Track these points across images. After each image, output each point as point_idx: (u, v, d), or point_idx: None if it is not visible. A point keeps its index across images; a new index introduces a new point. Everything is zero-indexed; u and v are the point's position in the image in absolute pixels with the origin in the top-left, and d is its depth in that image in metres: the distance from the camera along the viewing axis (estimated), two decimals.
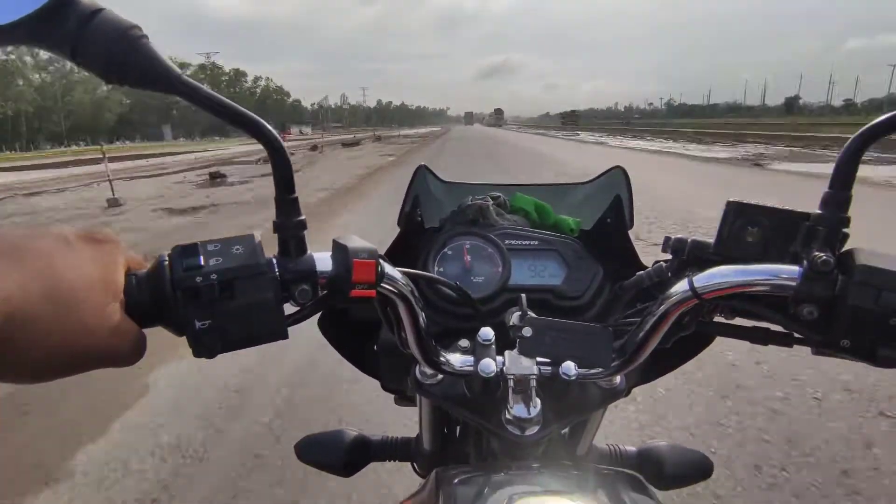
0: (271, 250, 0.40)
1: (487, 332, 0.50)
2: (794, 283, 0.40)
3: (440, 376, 0.53)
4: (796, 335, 0.44)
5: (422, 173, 0.73)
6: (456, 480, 0.42)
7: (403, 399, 0.75)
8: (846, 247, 0.41)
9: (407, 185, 0.69)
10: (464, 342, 0.54)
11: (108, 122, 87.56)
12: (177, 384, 2.47)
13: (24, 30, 0.31)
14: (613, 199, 0.69)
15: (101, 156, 9.91)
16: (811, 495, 1.64)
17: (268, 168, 0.38)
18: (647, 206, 6.22)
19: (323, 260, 0.40)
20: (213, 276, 0.36)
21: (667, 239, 0.51)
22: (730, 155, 16.05)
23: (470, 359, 0.49)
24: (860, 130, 0.39)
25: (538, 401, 0.48)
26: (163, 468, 1.86)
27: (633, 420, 2.04)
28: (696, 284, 0.43)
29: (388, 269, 0.42)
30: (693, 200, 6.89)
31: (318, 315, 0.48)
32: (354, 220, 6.40)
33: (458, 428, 0.73)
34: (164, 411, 2.24)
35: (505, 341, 0.51)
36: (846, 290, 0.39)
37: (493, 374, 0.47)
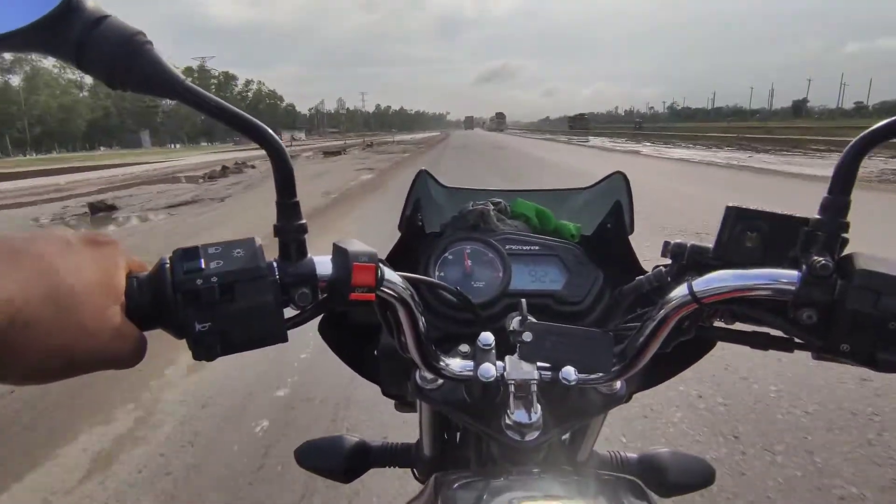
0: (272, 254, 0.38)
1: (488, 337, 0.49)
2: (793, 288, 0.40)
3: (440, 381, 0.52)
4: (796, 340, 0.44)
5: (423, 178, 0.73)
6: (455, 486, 0.42)
7: (403, 404, 0.74)
8: (845, 251, 0.41)
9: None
10: (464, 347, 0.54)
11: (80, 129, 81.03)
12: None
13: (29, 37, 0.32)
14: (614, 204, 0.70)
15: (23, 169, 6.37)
16: None
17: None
18: None
19: (323, 263, 0.41)
20: (214, 279, 0.36)
21: (666, 243, 0.51)
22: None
23: (470, 364, 0.49)
24: (859, 136, 0.39)
25: (538, 406, 0.47)
26: None
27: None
28: (696, 289, 0.43)
29: (388, 273, 0.42)
30: None
31: (318, 318, 0.47)
32: None
33: (459, 433, 0.72)
34: None
35: (505, 346, 0.50)
36: (845, 295, 0.39)
37: (493, 379, 0.46)
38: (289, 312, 0.40)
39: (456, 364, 0.49)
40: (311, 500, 1.69)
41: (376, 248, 0.42)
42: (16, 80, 73.91)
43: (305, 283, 0.39)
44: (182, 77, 0.36)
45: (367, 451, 0.76)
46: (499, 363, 0.48)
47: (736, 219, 0.47)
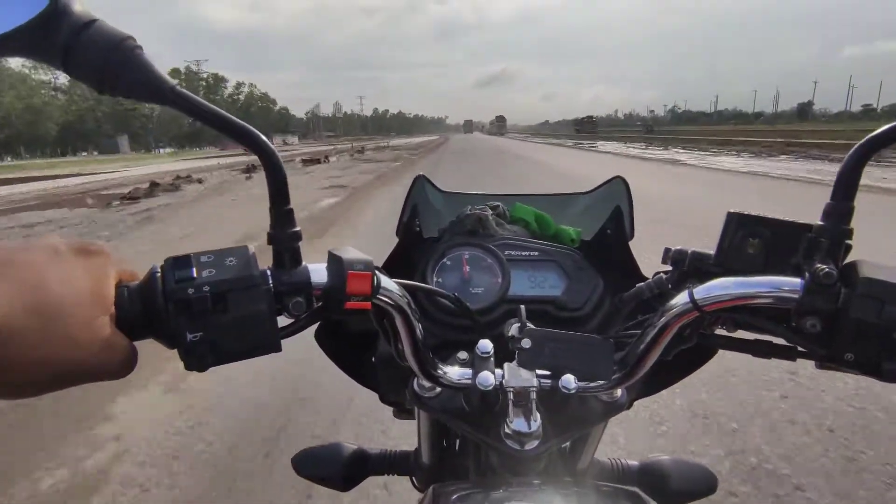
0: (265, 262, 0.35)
1: (486, 345, 0.49)
2: (796, 296, 0.40)
3: (438, 389, 0.51)
4: (800, 349, 0.43)
5: (420, 183, 0.72)
6: (454, 497, 0.42)
7: (402, 412, 0.73)
8: (849, 258, 0.41)
9: None
10: (462, 354, 0.53)
11: (50, 133, 75.89)
12: None
13: (15, 41, 0.31)
14: (614, 209, 0.69)
15: None
16: None
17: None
18: None
19: (318, 272, 0.40)
20: (206, 288, 0.35)
21: (667, 250, 0.50)
22: None
23: (468, 371, 0.48)
24: (861, 141, 0.39)
25: (538, 414, 0.47)
26: None
27: None
28: (697, 296, 0.42)
29: (384, 280, 0.42)
30: None
31: (314, 327, 0.47)
32: None
33: (458, 442, 0.71)
34: None
35: (504, 353, 0.50)
36: (849, 303, 0.38)
37: (491, 387, 0.46)
38: (283, 321, 0.39)
39: (454, 372, 0.49)
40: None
41: (372, 256, 0.41)
42: None
43: (300, 291, 0.39)
44: (172, 82, 0.35)
45: (366, 458, 0.75)
46: (497, 371, 0.47)
47: (737, 225, 0.46)
